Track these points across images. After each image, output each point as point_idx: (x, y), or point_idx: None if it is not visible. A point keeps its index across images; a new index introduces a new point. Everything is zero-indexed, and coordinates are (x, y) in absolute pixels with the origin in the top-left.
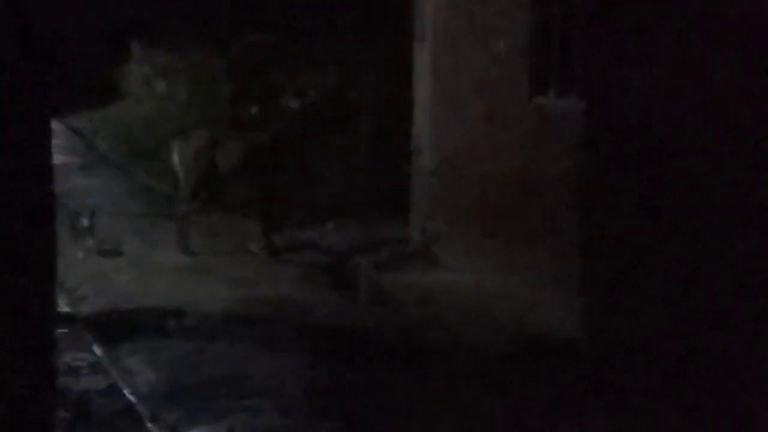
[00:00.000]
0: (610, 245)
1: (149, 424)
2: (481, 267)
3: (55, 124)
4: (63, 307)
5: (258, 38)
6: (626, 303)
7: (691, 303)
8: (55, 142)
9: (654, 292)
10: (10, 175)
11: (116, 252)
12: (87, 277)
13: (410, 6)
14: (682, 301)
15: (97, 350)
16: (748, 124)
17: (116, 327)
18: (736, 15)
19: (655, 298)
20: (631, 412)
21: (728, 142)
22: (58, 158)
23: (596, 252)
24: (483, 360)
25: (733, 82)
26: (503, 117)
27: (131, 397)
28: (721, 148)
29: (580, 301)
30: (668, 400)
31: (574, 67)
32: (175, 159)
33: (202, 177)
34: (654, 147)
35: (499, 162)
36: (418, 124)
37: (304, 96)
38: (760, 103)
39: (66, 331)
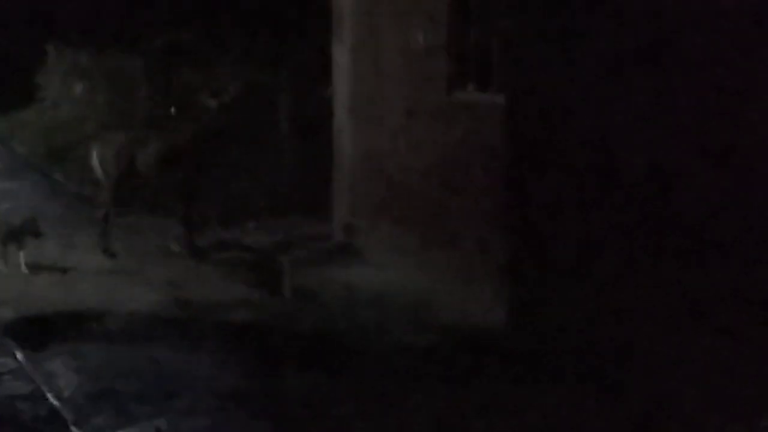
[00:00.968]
0: (533, 240)
1: (74, 429)
2: (403, 262)
3: None
4: None
5: (174, 37)
6: (549, 297)
7: (615, 294)
8: None
9: (577, 285)
10: None
11: (44, 265)
12: (6, 281)
13: (329, 3)
14: (607, 292)
15: (19, 355)
16: (668, 114)
17: (38, 331)
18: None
19: (579, 290)
20: (560, 405)
21: (647, 133)
22: None
23: (519, 246)
24: (406, 356)
25: (648, 74)
26: (423, 112)
27: (55, 402)
28: (643, 139)
29: (503, 296)
30: (596, 391)
31: (494, 61)
32: (95, 160)
33: (122, 178)
34: (574, 140)
35: (421, 157)
36: (338, 120)
37: (222, 94)
38: (676, 93)
39: None
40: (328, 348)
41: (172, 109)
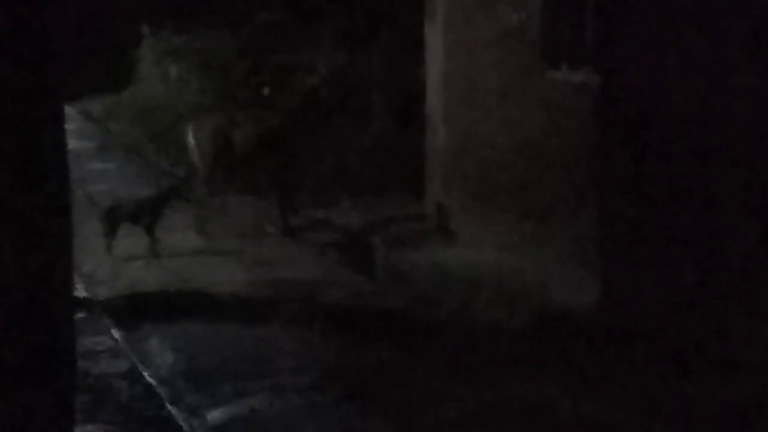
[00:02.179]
0: (627, 221)
1: (170, 407)
2: (497, 242)
3: (68, 109)
4: (81, 291)
5: (267, 18)
6: (642, 279)
7: (705, 282)
8: (68, 126)
9: (670, 270)
10: (24, 159)
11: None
12: (104, 260)
13: None
14: (697, 280)
15: (116, 334)
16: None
17: (135, 310)
18: None
19: (671, 275)
20: (646, 386)
21: (743, 119)
22: (71, 143)
23: (613, 228)
24: (501, 336)
25: (748, 60)
26: (516, 92)
27: (151, 380)
28: (737, 124)
29: (597, 278)
30: (681, 377)
31: (588, 40)
32: (191, 141)
33: (218, 158)
34: (669, 121)
35: (514, 137)
36: (431, 100)
37: (316, 74)
38: None
39: (84, 315)
40: (420, 329)
41: (266, 90)
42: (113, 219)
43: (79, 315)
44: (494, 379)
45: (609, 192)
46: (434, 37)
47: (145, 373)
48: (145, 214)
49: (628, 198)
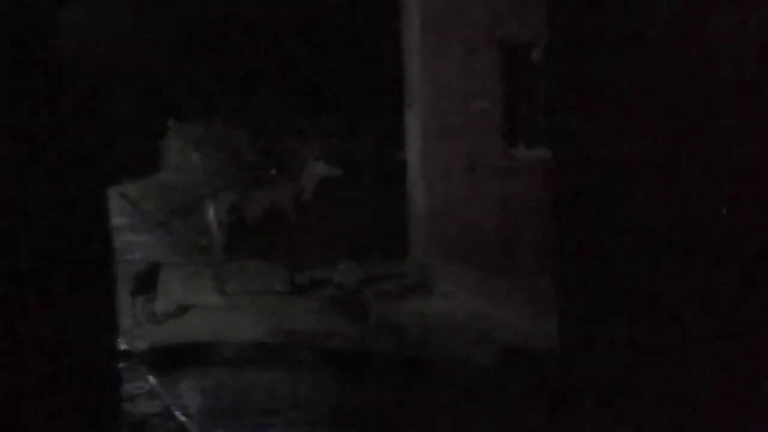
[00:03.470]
0: (582, 277)
1: None
2: (470, 294)
3: (109, 191)
4: (122, 345)
5: (273, 111)
6: (596, 329)
7: (658, 336)
8: (110, 206)
9: (624, 322)
10: (76, 234)
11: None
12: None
13: (401, 78)
14: (656, 332)
15: (152, 380)
16: (707, 166)
17: (167, 359)
18: (689, 66)
19: (626, 328)
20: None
21: (686, 186)
22: (112, 219)
23: (569, 282)
24: (469, 370)
25: (691, 130)
26: (483, 166)
27: (182, 418)
28: (682, 191)
29: (554, 323)
30: (644, 409)
31: (541, 124)
32: (210, 216)
33: (233, 230)
34: (614, 186)
35: (483, 205)
36: (411, 176)
37: (316, 156)
38: (722, 144)
39: (125, 364)
40: (406, 368)
41: (273, 171)
42: (138, 287)
43: (121, 365)
44: (470, 409)
45: (566, 250)
46: (413, 122)
47: (177, 413)
48: (150, 283)
49: (582, 256)
